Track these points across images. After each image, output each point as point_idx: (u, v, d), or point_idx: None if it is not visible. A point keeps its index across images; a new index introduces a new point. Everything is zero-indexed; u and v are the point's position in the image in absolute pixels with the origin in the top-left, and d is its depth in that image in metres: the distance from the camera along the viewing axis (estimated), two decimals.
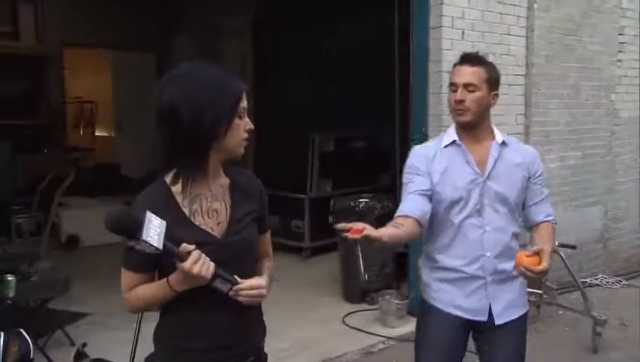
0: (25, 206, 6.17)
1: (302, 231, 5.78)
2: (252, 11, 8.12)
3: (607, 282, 4.96)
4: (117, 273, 4.72)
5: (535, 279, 1.95)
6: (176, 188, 1.46)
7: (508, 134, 2.26)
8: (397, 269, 4.67)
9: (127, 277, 1.47)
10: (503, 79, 4.37)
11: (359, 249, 4.47)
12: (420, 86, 4.07)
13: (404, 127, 4.48)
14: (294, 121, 6.50)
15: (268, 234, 1.69)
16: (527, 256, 1.81)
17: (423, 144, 2.24)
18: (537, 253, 1.82)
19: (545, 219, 2.14)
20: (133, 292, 1.47)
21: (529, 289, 3.94)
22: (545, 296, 4.04)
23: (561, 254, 3.97)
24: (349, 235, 1.58)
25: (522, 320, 2.14)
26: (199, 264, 1.36)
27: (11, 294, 3.30)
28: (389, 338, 3.87)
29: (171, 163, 1.45)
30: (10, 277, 3.34)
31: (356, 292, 4.55)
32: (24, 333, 2.95)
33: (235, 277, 1.43)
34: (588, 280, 4.85)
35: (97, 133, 9.99)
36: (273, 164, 6.13)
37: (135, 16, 8.81)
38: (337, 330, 4.02)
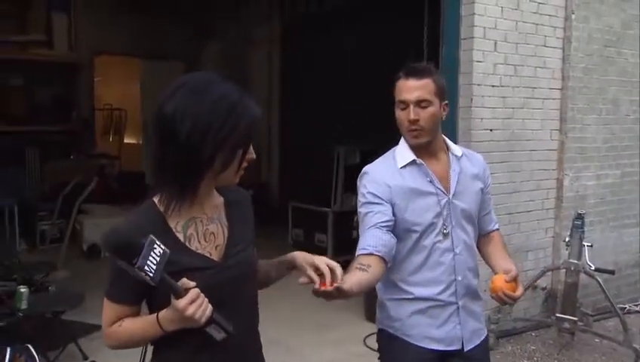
0: (50, 212, 6.19)
1: (325, 245, 5.63)
2: (280, 21, 8.05)
3: None
4: None
5: (510, 303, 1.79)
6: (168, 212, 1.32)
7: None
8: None
9: (111, 308, 1.30)
10: (537, 93, 4.23)
11: None
12: (449, 99, 3.87)
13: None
14: (320, 133, 6.38)
15: None
16: (507, 282, 1.73)
17: (372, 164, 2.01)
18: (515, 279, 1.74)
19: (494, 228, 2.05)
20: (117, 326, 1.29)
21: (563, 316, 3.73)
22: (580, 323, 3.78)
23: (598, 279, 3.72)
24: (319, 288, 1.35)
25: (486, 343, 1.99)
26: (195, 305, 1.20)
27: (23, 306, 3.23)
28: None
29: (158, 181, 1.30)
30: (23, 289, 3.28)
31: None
32: (31, 349, 2.86)
33: (231, 326, 1.26)
34: (627, 306, 4.56)
35: (126, 141, 10.04)
36: (298, 176, 6.01)
37: (164, 25, 8.85)
38: (358, 352, 3.84)
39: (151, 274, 1.14)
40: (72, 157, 7.83)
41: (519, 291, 1.72)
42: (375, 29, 6.16)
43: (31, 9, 8.05)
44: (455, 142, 3.78)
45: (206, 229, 1.34)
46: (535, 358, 3.77)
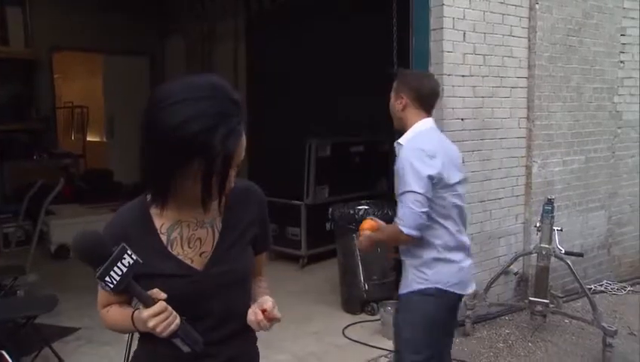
0: (13, 214, 5.99)
1: (298, 238, 5.61)
2: (245, 14, 7.96)
3: (612, 288, 4.82)
4: None
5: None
6: (156, 211, 1.30)
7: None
8: (397, 278, 4.51)
9: (102, 294, 1.36)
10: (505, 82, 4.30)
11: (358, 257, 4.32)
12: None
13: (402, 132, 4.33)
14: (290, 127, 6.34)
15: (265, 254, 1.51)
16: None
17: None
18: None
19: None
20: (106, 311, 1.36)
21: (535, 299, 3.83)
22: (551, 305, 3.89)
23: (568, 262, 3.83)
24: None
25: None
26: (158, 318, 1.18)
27: None
28: (391, 351, 3.71)
29: (144, 179, 1.28)
30: None
31: (356, 302, 4.39)
32: (5, 355, 2.77)
33: (200, 342, 1.25)
34: (593, 286, 4.71)
35: (89, 139, 9.80)
36: (269, 171, 5.97)
37: (127, 20, 8.64)
38: (338, 343, 3.86)
39: (111, 286, 1.14)
40: (34, 157, 7.58)
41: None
42: (343, 21, 6.15)
43: None
44: None
45: (192, 234, 1.31)
46: (510, 341, 3.86)
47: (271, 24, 7.12)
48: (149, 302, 1.18)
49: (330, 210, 4.60)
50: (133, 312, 1.25)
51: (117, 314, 1.32)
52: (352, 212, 4.40)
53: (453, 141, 3.85)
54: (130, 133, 9.72)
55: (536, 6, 4.26)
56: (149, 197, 1.30)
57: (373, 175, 6.03)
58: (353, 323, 4.16)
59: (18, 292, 4.09)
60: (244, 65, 7.99)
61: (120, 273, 1.13)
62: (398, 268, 4.49)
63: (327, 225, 5.36)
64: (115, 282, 1.13)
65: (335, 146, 5.69)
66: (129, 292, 1.18)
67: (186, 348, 1.24)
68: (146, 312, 1.18)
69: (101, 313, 1.37)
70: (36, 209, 5.18)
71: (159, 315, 1.18)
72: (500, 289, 4.29)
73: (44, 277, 4.88)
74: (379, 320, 4.05)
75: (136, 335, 2.13)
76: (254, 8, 7.54)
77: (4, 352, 2.80)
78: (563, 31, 4.48)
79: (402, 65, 4.20)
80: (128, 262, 1.14)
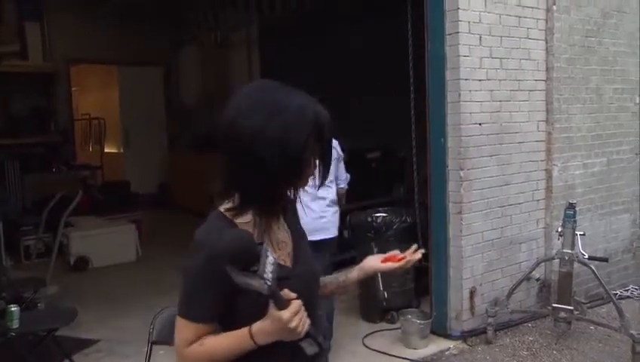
0: (33, 227, 6.05)
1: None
2: (258, 23, 8.00)
3: (638, 294, 4.72)
4: (127, 296, 4.56)
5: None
6: (241, 221, 1.26)
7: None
8: (417, 286, 4.47)
9: (189, 328, 1.22)
10: (523, 85, 4.26)
11: None
12: (437, 95, 3.89)
13: (420, 138, 4.30)
14: None
15: None
16: None
17: None
18: None
19: None
20: (198, 346, 1.21)
21: (559, 306, 3.76)
22: (575, 312, 3.81)
23: (592, 267, 3.75)
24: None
25: None
26: (298, 317, 1.15)
27: (15, 326, 3.14)
28: (412, 360, 3.67)
29: (246, 199, 1.24)
30: (14, 308, 3.18)
31: (375, 310, 4.35)
32: None
33: (324, 342, 1.24)
34: (618, 291, 4.61)
35: (106, 150, 9.90)
36: None
37: (141, 31, 8.74)
38: (357, 352, 3.82)
39: (269, 283, 1.10)
40: (53, 169, 7.67)
41: None
42: (357, 27, 6.14)
43: (2, 19, 7.88)
44: (445, 138, 3.83)
45: (277, 237, 1.32)
46: (533, 349, 3.79)
47: (284, 32, 7.14)
48: (284, 304, 1.14)
49: (348, 217, 4.58)
50: (251, 328, 1.18)
51: (218, 340, 1.21)
52: (369, 219, 4.37)
53: (470, 146, 3.85)
54: (146, 143, 9.90)
55: (554, 7, 4.20)
56: (222, 209, 1.26)
57: (390, 181, 5.99)
58: (373, 332, 4.12)
59: (39, 304, 4.12)
60: (258, 73, 8.02)
61: (271, 271, 1.11)
62: (417, 276, 4.45)
63: (345, 233, 5.32)
64: (270, 281, 1.10)
65: (351, 152, 5.65)
66: (274, 293, 1.11)
67: (312, 349, 1.20)
68: (287, 312, 1.14)
69: (187, 351, 1.22)
70: (56, 221, 5.23)
71: (299, 313, 1.15)
72: (521, 296, 4.22)
73: (64, 288, 4.92)
74: (399, 328, 4.00)
75: (158, 349, 2.13)
76: (267, 17, 7.57)
77: None
78: (581, 32, 4.41)
79: (418, 70, 4.18)
80: (272, 261, 1.12)
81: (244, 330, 1.20)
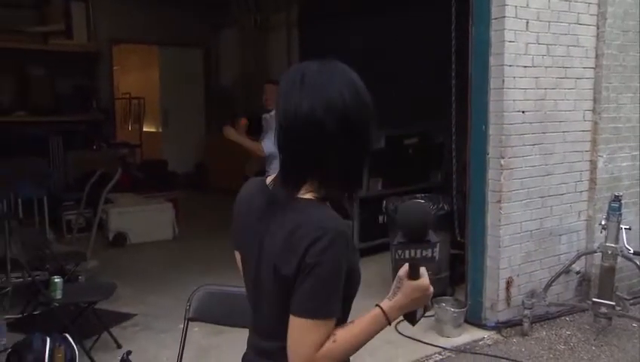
0: (75, 202, 6.23)
1: (351, 231, 5.60)
2: (298, 5, 7.97)
3: None
4: (164, 274, 4.69)
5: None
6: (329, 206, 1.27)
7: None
8: (452, 273, 4.43)
9: (321, 328, 1.13)
10: (570, 72, 4.12)
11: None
12: (480, 81, 3.81)
13: (460, 124, 4.23)
14: None
15: None
16: None
17: None
18: None
19: None
20: (331, 343, 1.14)
21: (600, 300, 3.67)
22: (617, 308, 3.72)
23: (637, 262, 3.64)
24: None
25: None
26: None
27: (58, 296, 3.26)
28: (445, 349, 3.65)
29: (350, 181, 1.24)
30: (57, 279, 3.30)
31: None
32: (69, 338, 2.89)
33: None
34: None
35: (145, 129, 10.09)
36: None
37: (182, 12, 8.82)
38: (391, 339, 3.80)
39: (437, 254, 1.16)
40: (94, 147, 7.87)
41: None
42: (399, 11, 6.05)
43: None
44: (486, 125, 3.75)
45: None
46: (571, 344, 3.71)
47: (324, 14, 7.09)
48: (418, 272, 1.18)
49: (384, 202, 4.55)
50: (381, 307, 1.18)
51: (351, 331, 1.17)
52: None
53: (512, 134, 3.76)
54: (184, 124, 10.03)
55: None
56: (314, 196, 1.20)
57: (427, 167, 5.93)
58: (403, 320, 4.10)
59: (80, 277, 4.26)
60: (297, 55, 8.01)
61: (412, 256, 1.16)
62: (453, 264, 4.41)
63: (381, 218, 5.31)
64: (402, 257, 1.16)
65: (389, 138, 5.61)
66: (415, 266, 1.17)
67: (420, 314, 1.25)
68: (425, 279, 1.18)
69: (321, 354, 1.13)
70: (96, 197, 5.37)
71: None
72: (559, 289, 4.14)
73: (103, 263, 5.05)
74: (433, 316, 3.98)
75: (192, 326, 2.18)
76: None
77: (67, 335, 2.92)
78: (636, 17, 4.23)
79: (462, 55, 4.09)
80: (427, 255, 1.18)
81: (376, 312, 1.18)
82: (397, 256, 1.15)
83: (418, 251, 1.13)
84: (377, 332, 1.19)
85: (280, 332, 1.17)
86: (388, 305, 1.17)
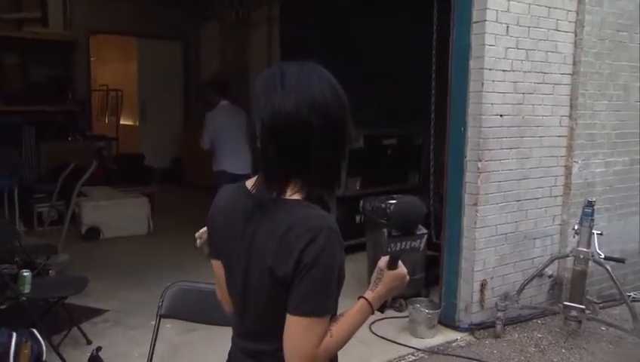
0: (47, 194, 6.12)
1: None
2: (279, 1, 7.93)
3: None
4: (137, 269, 4.64)
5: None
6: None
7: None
8: (427, 274, 4.46)
9: (321, 325, 1.16)
10: (548, 78, 4.18)
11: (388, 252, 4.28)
12: (459, 83, 3.84)
13: (439, 126, 4.26)
14: None
15: None
16: None
17: None
18: None
19: None
20: (328, 338, 1.17)
21: (571, 304, 3.73)
22: (587, 311, 3.79)
23: (607, 267, 3.71)
24: None
25: None
26: None
27: (27, 291, 3.19)
28: (418, 349, 3.68)
29: (331, 180, 1.26)
30: (26, 273, 3.24)
31: None
32: (37, 334, 2.83)
33: None
34: (632, 294, 4.56)
35: (122, 122, 9.96)
36: None
37: (162, 4, 8.74)
38: (364, 339, 3.83)
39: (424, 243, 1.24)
40: (69, 138, 7.74)
41: None
42: (379, 11, 6.06)
43: None
44: (464, 128, 3.79)
45: None
46: (542, 346, 3.77)
47: (305, 11, 7.08)
48: (397, 263, 1.27)
49: (362, 202, 4.57)
50: (366, 298, 1.25)
51: (343, 325, 1.21)
52: (383, 205, 4.35)
53: (490, 137, 3.81)
54: (162, 118, 9.94)
55: None
56: (300, 196, 1.22)
57: (406, 168, 5.96)
58: (380, 319, 4.12)
59: (50, 271, 4.18)
60: (277, 52, 7.98)
61: (402, 247, 1.25)
62: (428, 266, 4.44)
63: (358, 218, 5.33)
64: (393, 250, 1.22)
65: (368, 138, 5.63)
66: (397, 257, 1.27)
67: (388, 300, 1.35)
68: (403, 269, 1.28)
69: (320, 350, 1.16)
70: (69, 189, 5.29)
71: None
72: (532, 292, 4.20)
73: (74, 257, 4.98)
74: (407, 317, 4.01)
75: (165, 322, 2.16)
76: None
77: (34, 330, 2.86)
78: (613, 26, 4.32)
79: (442, 58, 4.12)
80: (415, 245, 1.29)
81: (362, 304, 1.25)
82: (390, 249, 1.22)
83: (408, 243, 1.20)
84: (364, 321, 1.26)
85: (273, 334, 1.19)
86: (371, 296, 1.25)
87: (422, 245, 1.12)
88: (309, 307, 1.15)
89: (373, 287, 1.26)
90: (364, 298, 1.25)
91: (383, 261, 1.27)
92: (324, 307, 1.16)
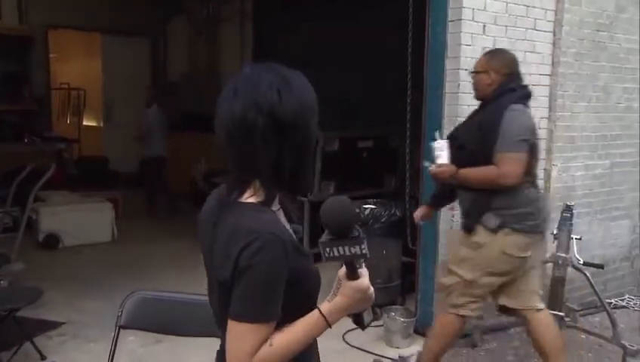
0: (0, 199, 6.02)
1: (301, 236, 5.59)
2: None
3: (634, 304, 4.79)
4: (98, 278, 4.58)
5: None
6: (273, 209, 1.29)
7: None
8: (402, 282, 4.52)
9: (257, 332, 1.16)
10: (526, 79, 4.26)
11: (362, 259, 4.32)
12: (435, 84, 3.90)
13: (415, 128, 4.32)
14: None
15: None
16: None
17: None
18: None
19: None
20: (267, 347, 1.16)
21: (550, 311, 3.80)
22: (566, 319, 3.87)
23: (586, 273, 3.80)
24: None
25: None
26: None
27: None
28: (393, 360, 3.72)
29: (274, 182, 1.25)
30: None
31: None
32: None
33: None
34: (613, 301, 4.69)
35: (85, 123, 9.85)
36: None
37: None
38: (337, 348, 3.86)
39: (326, 256, 1.16)
40: (26, 140, 7.63)
41: None
42: (355, 8, 6.12)
43: None
44: (440, 130, 3.84)
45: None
46: (520, 354, 3.85)
47: (279, 6, 7.12)
48: (357, 273, 1.21)
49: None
50: (320, 310, 1.20)
51: (290, 335, 1.19)
52: (357, 211, 4.40)
53: None
54: (129, 119, 9.85)
55: None
56: (257, 199, 1.24)
57: (382, 172, 6.02)
58: (354, 329, 4.12)
59: (1, 282, 4.13)
60: (250, 48, 8.00)
61: (341, 253, 1.15)
62: (404, 273, 4.49)
63: None
64: (331, 256, 1.16)
65: (343, 141, 5.68)
66: (352, 265, 1.19)
67: (369, 318, 1.27)
68: (366, 279, 1.21)
69: (257, 358, 1.16)
70: (25, 194, 5.21)
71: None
72: None
73: (30, 266, 4.92)
74: (381, 326, 4.05)
75: (127, 334, 2.15)
76: None
77: None
78: (592, 25, 4.43)
79: (417, 57, 4.18)
80: (356, 251, 1.16)
81: (314, 315, 1.20)
82: (326, 255, 1.17)
83: (346, 248, 1.15)
84: (317, 335, 1.23)
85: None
86: (327, 308, 1.20)
87: (365, 250, 1.11)
88: (244, 311, 1.16)
89: (331, 298, 1.21)
90: (318, 308, 1.21)
91: (342, 270, 1.22)
92: (260, 312, 1.16)
